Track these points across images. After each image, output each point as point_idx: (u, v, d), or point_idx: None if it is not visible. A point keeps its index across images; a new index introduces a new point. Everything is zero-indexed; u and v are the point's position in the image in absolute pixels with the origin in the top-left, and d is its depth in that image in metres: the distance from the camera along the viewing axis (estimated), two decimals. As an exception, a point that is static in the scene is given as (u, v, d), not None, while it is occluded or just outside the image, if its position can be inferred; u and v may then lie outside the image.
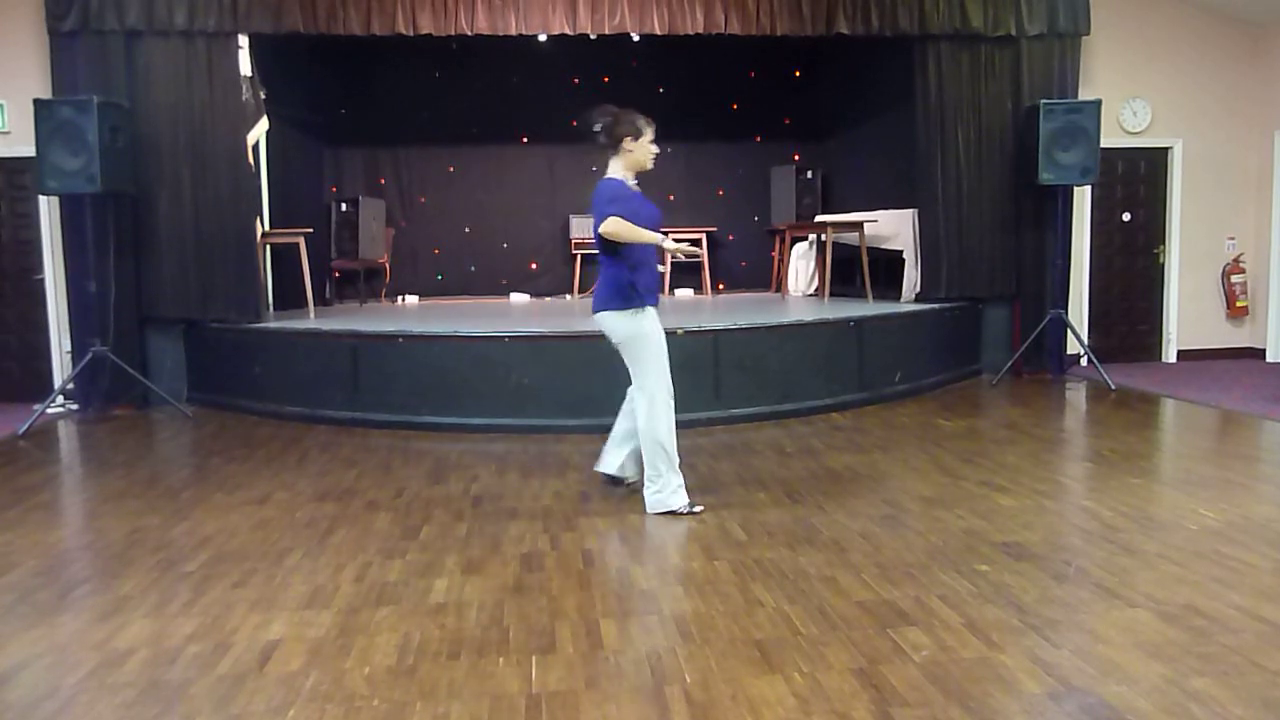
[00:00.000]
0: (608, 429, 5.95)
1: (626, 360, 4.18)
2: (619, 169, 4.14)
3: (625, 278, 4.05)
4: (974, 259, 7.84)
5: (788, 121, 10.90)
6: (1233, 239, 8.60)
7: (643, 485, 4.25)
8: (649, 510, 4.21)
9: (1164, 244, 8.61)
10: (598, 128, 4.08)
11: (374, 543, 3.92)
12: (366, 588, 3.40)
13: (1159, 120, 8.40)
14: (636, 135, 4.08)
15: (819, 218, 9.37)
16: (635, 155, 4.11)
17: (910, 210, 8.14)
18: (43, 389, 7.23)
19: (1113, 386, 7.20)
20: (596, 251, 4.16)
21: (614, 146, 4.10)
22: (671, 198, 10.25)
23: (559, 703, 2.52)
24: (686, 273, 10.24)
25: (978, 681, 2.58)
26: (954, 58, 7.72)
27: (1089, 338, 8.26)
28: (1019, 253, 7.91)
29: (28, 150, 6.73)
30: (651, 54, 9.63)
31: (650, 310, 4.10)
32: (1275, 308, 8.47)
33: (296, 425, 6.46)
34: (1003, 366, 7.79)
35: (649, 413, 4.09)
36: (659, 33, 7.38)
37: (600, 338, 4.28)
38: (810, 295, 9.52)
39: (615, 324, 4.10)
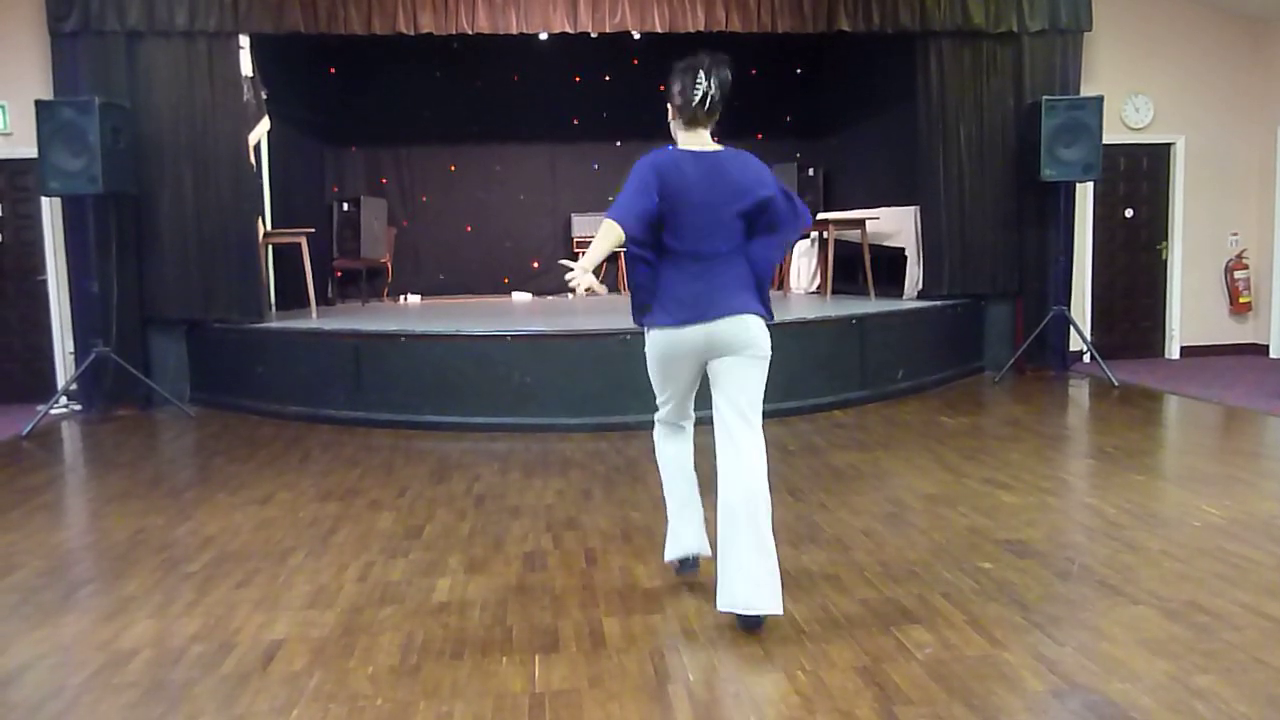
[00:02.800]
0: (610, 427, 6.00)
1: None
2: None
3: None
4: (976, 256, 7.83)
5: (789, 119, 10.89)
6: (1236, 235, 8.59)
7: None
8: None
9: (1167, 240, 8.59)
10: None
11: (377, 542, 3.92)
12: (370, 587, 3.40)
13: (1161, 116, 8.38)
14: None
15: (821, 215, 9.35)
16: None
17: (912, 207, 8.14)
18: (46, 390, 7.23)
19: (1116, 383, 7.19)
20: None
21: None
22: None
23: (562, 702, 2.52)
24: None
25: (981, 679, 2.58)
26: (956, 54, 7.70)
27: (1092, 334, 8.24)
28: (1021, 249, 7.90)
29: (29, 151, 6.73)
30: (652, 52, 9.60)
31: (658, 333, 3.07)
32: (1278, 303, 8.45)
33: (299, 425, 6.46)
34: (1005, 363, 7.78)
35: None
36: (660, 31, 7.38)
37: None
38: (812, 293, 9.52)
39: None
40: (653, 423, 3.34)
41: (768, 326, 3.04)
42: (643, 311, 3.09)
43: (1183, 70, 8.37)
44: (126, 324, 7.02)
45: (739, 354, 2.99)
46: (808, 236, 9.70)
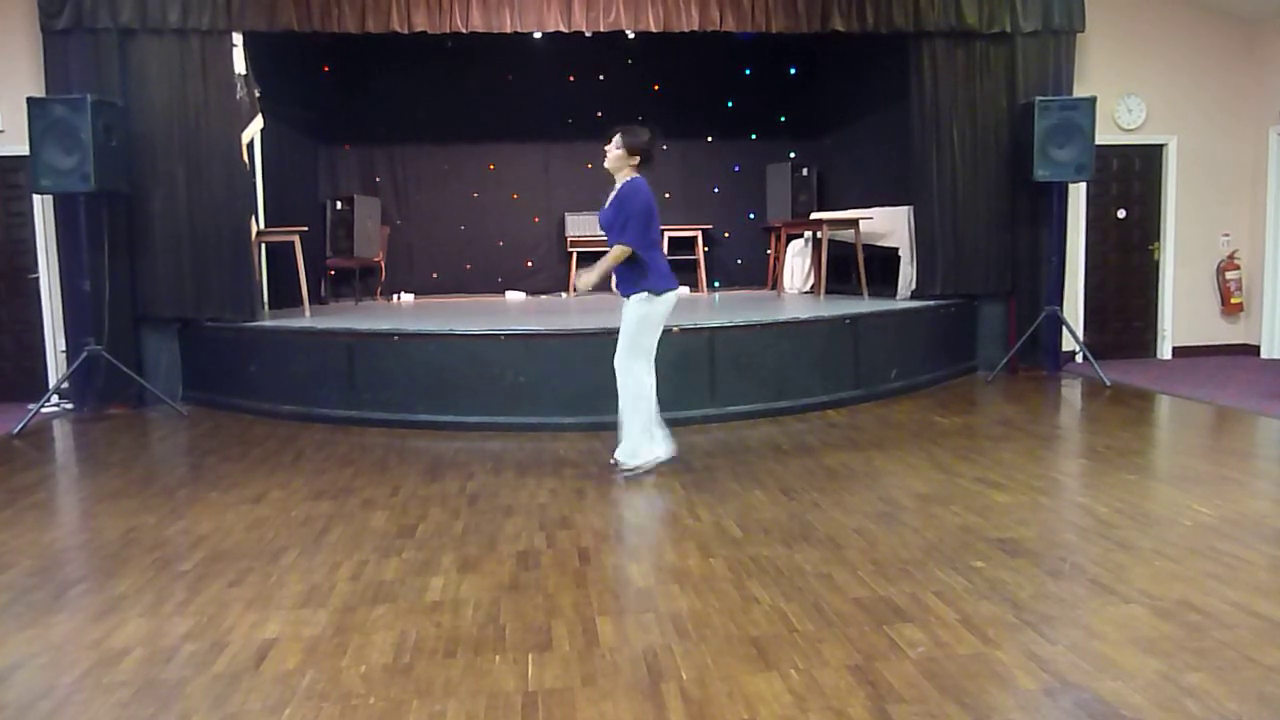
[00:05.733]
0: (604, 426, 5.99)
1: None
2: None
3: None
4: (969, 256, 7.85)
5: (783, 119, 10.91)
6: (1227, 235, 8.62)
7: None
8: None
9: (1159, 240, 8.62)
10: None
11: (370, 541, 3.91)
12: (363, 586, 3.39)
13: (1154, 117, 8.41)
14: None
15: (814, 215, 9.37)
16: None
17: (906, 207, 8.15)
18: (37, 388, 7.21)
19: (1108, 383, 7.22)
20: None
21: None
22: (668, 195, 10.26)
23: (555, 700, 2.52)
24: (683, 270, 10.23)
25: (973, 678, 2.58)
26: (949, 55, 7.72)
27: (1084, 334, 8.27)
28: (1014, 250, 7.92)
29: (21, 149, 6.71)
30: (647, 51, 9.62)
31: (669, 295, 4.77)
32: (1269, 304, 8.49)
33: (292, 424, 6.45)
34: (998, 363, 7.80)
35: None
36: (654, 30, 7.38)
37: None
38: (806, 293, 9.53)
39: None
40: None
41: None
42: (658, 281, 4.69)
43: (1175, 71, 8.40)
44: (119, 322, 6.99)
45: None
46: (801, 237, 9.71)
